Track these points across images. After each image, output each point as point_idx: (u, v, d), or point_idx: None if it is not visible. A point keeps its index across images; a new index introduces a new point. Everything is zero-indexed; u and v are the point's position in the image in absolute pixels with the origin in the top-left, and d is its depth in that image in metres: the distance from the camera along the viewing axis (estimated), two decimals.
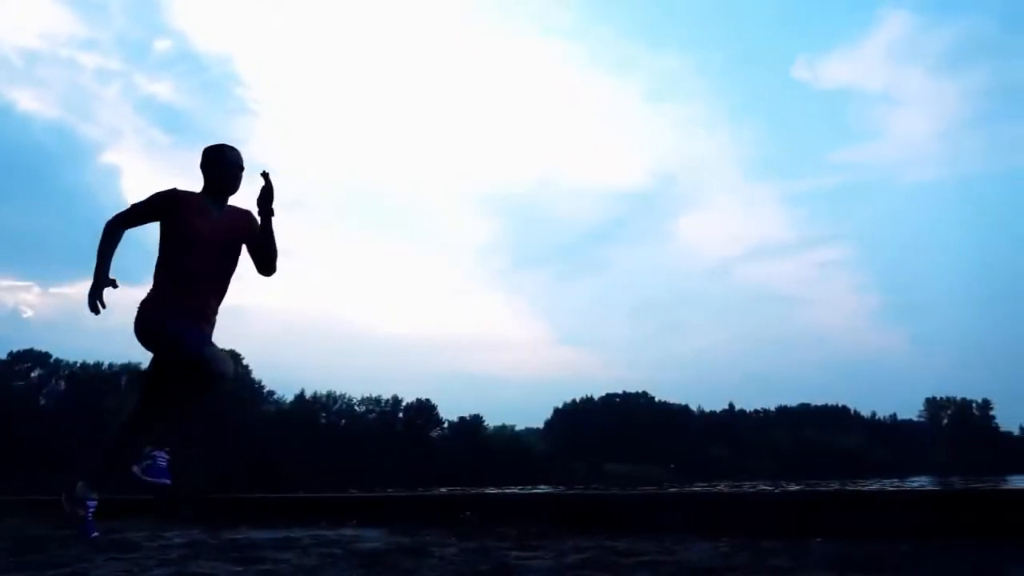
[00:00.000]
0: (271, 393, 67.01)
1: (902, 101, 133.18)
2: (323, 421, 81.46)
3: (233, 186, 3.18)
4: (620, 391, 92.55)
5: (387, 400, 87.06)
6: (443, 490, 8.80)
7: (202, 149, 3.22)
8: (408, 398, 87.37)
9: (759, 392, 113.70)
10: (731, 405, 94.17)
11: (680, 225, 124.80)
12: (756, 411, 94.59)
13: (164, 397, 3.04)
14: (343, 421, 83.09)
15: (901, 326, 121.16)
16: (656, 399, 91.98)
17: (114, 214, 3.09)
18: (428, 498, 3.69)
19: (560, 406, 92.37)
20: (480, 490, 7.76)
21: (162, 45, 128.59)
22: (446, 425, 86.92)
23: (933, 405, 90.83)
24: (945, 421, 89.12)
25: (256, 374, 65.73)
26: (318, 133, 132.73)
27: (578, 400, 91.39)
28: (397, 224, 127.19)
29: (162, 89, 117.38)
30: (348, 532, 3.14)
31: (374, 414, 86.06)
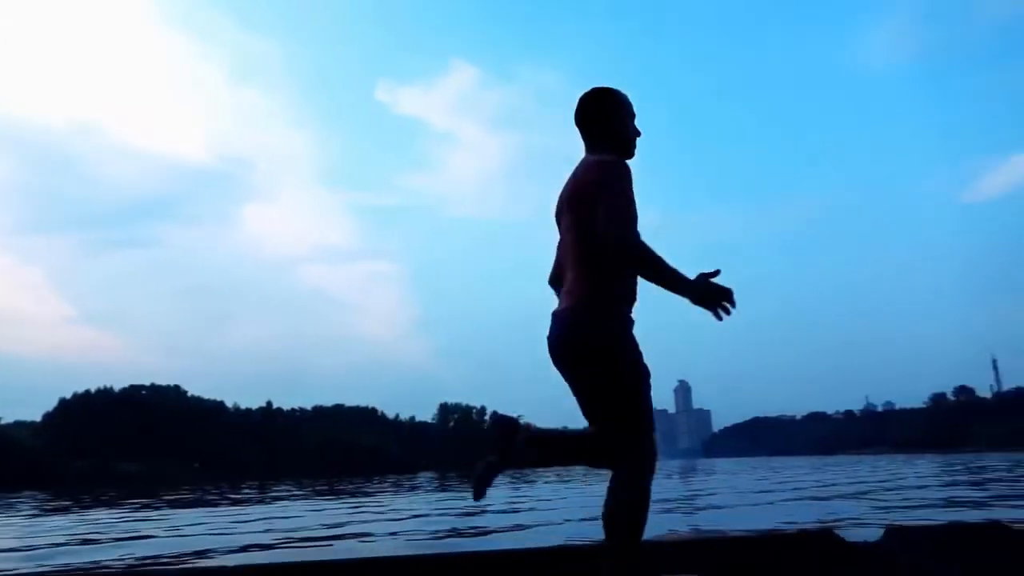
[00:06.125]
0: None
1: (459, 144, 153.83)
2: None
3: (633, 152, 2.24)
4: (148, 383, 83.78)
5: None
6: None
7: (594, 91, 2.23)
8: None
9: (297, 391, 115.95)
10: (269, 403, 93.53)
11: (244, 214, 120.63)
12: (293, 409, 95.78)
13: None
14: None
15: (428, 338, 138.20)
16: (189, 394, 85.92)
17: (621, 227, 1.92)
18: None
19: (68, 397, 79.09)
20: None
21: None
22: None
23: (445, 410, 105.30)
24: (452, 424, 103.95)
25: None
26: None
27: (93, 391, 79.55)
28: None
29: None
30: None
31: None
